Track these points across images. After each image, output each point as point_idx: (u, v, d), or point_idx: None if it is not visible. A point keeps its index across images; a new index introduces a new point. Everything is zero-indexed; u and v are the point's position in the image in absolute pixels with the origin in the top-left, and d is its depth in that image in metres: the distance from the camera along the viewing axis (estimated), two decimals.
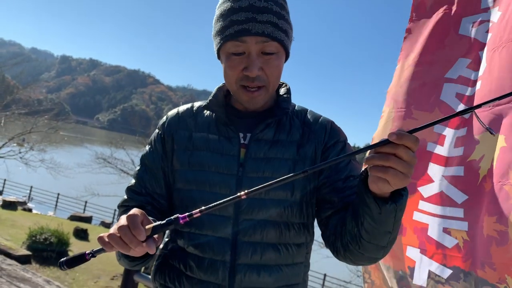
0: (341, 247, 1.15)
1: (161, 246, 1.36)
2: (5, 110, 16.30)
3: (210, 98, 1.34)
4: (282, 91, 1.37)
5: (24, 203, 20.54)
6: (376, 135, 2.44)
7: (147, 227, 0.92)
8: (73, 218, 19.49)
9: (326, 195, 1.24)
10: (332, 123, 1.35)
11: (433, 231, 2.05)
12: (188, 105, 1.41)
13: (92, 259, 0.95)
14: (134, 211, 0.95)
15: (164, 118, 1.40)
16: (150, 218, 0.99)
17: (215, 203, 0.92)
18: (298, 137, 1.28)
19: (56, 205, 24.09)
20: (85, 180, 19.75)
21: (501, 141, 1.80)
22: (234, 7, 1.18)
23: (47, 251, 10.85)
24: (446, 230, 1.99)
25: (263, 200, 1.20)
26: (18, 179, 22.32)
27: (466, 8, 2.25)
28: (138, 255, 0.95)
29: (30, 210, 19.91)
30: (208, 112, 1.33)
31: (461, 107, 2.09)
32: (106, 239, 0.92)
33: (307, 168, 0.92)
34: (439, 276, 1.97)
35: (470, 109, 0.97)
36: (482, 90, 1.98)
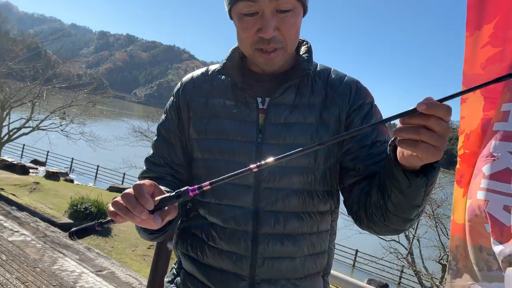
0: (365, 217, 1.09)
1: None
2: (47, 84, 16.83)
3: (224, 61, 1.25)
4: (302, 49, 1.25)
5: (66, 174, 21.41)
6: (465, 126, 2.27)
7: (156, 198, 0.88)
8: (111, 189, 20.20)
9: (350, 162, 1.15)
10: (357, 82, 1.22)
11: (493, 208, 1.97)
12: (203, 69, 1.32)
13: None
14: (143, 181, 0.90)
15: (179, 84, 1.32)
16: (165, 189, 0.95)
17: (225, 176, 0.86)
18: (321, 100, 1.18)
19: (95, 176, 25.00)
20: (123, 153, 20.31)
21: None
22: None
23: (88, 220, 11.33)
24: (506, 208, 1.91)
25: (285, 168, 1.13)
26: (60, 151, 23.24)
27: None
28: (148, 227, 0.91)
29: (71, 181, 20.75)
30: (224, 76, 1.24)
31: None
32: (111, 208, 0.88)
33: (324, 140, 0.84)
34: (491, 250, 1.90)
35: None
36: None
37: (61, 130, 16.35)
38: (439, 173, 0.92)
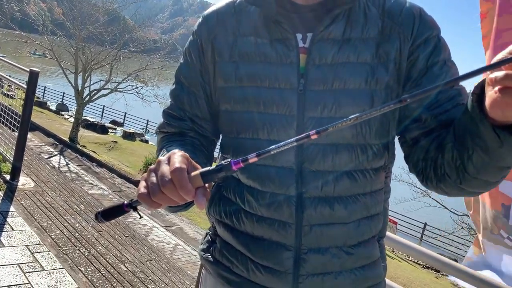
0: (434, 177, 0.92)
1: None
2: (124, 47, 17.55)
3: None
4: None
5: (142, 134, 22.59)
6: (486, 42, 2.07)
7: (193, 174, 0.72)
8: None
9: (414, 110, 0.95)
10: (421, 10, 0.99)
11: None
12: (229, 0, 1.08)
13: None
14: (177, 159, 0.72)
15: (200, 19, 1.09)
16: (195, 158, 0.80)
17: (274, 146, 0.70)
18: (377, 32, 0.96)
19: None
20: None
21: None
22: None
23: None
24: None
25: (334, 118, 0.92)
26: (136, 113, 24.41)
27: None
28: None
29: (146, 141, 21.86)
30: (254, 7, 1.02)
31: None
32: (143, 190, 0.72)
33: (405, 95, 0.66)
34: None
35: None
36: None
37: (137, 93, 17.09)
38: None
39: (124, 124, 26.12)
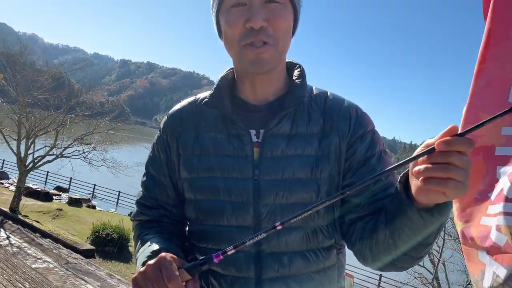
0: (370, 256, 1.03)
1: None
2: (70, 112, 17.24)
3: (211, 91, 1.16)
4: (295, 74, 1.17)
5: (88, 200, 21.68)
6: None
7: (180, 270, 0.86)
8: None
9: (353, 197, 1.07)
10: (357, 108, 1.14)
11: (493, 230, 1.95)
12: (191, 99, 1.22)
13: None
14: (164, 259, 0.86)
15: (166, 117, 1.22)
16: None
17: (249, 238, 0.84)
18: (319, 128, 1.09)
19: (117, 202, 25.23)
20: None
21: None
22: None
23: (109, 246, 11.38)
24: (498, 228, 1.90)
25: (285, 206, 1.05)
26: (83, 178, 23.59)
27: None
28: None
29: (93, 207, 20.98)
30: (212, 108, 1.15)
31: None
32: (140, 283, 0.86)
33: (346, 189, 0.81)
34: (498, 276, 1.87)
35: None
36: None
37: (84, 157, 16.64)
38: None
39: (70, 189, 25.06)
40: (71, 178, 24.51)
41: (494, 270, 1.91)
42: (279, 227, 0.81)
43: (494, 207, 2.00)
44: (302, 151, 1.07)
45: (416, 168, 0.78)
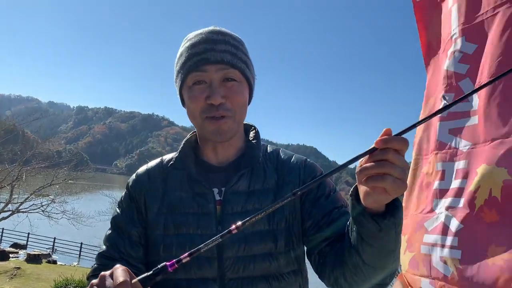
0: (345, 282, 1.08)
1: None
2: (26, 165, 16.70)
3: (176, 154, 1.28)
4: (251, 135, 1.31)
5: (49, 255, 20.65)
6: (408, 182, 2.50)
7: (133, 281, 0.84)
8: None
9: (317, 234, 1.17)
10: (305, 160, 1.28)
11: (436, 261, 2.09)
12: (158, 161, 1.32)
13: None
14: (119, 273, 0.85)
15: (134, 176, 1.30)
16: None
17: (204, 243, 0.86)
18: (274, 183, 1.22)
19: (79, 254, 24.16)
20: (106, 228, 19.77)
21: (503, 173, 1.83)
22: (192, 43, 1.19)
23: None
24: (442, 259, 2.04)
25: (247, 257, 1.13)
26: (41, 232, 22.57)
27: (446, 43, 2.34)
28: None
29: (54, 262, 19.98)
30: (178, 169, 1.25)
31: (457, 140, 2.16)
32: None
33: (296, 189, 0.87)
34: None
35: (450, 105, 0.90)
36: (481, 125, 2.00)
37: (42, 211, 16.02)
38: (403, 212, 0.95)
39: (28, 245, 23.84)
40: (28, 234, 23.39)
41: None
42: (234, 231, 0.85)
43: (430, 237, 2.15)
44: (259, 205, 1.17)
45: (358, 168, 0.86)
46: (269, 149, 1.31)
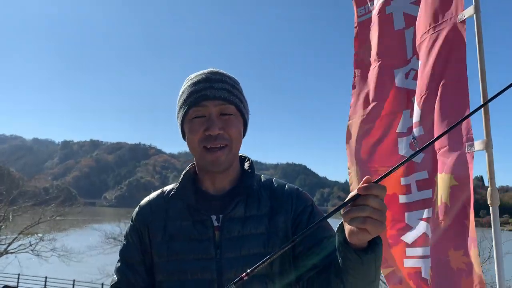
0: None
1: None
2: (13, 204, 16.49)
3: (177, 185, 1.40)
4: (246, 166, 1.44)
5: None
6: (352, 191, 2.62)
7: None
8: None
9: (306, 260, 1.28)
10: (297, 189, 1.42)
11: (425, 272, 2.18)
12: (159, 192, 1.45)
13: None
14: None
15: (137, 208, 1.43)
16: None
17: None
18: (268, 210, 1.34)
19: None
20: (98, 262, 19.55)
21: (450, 180, 1.97)
22: (193, 82, 1.34)
23: None
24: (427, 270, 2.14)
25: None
26: (32, 271, 22.09)
27: (395, 59, 2.50)
28: None
29: None
30: (178, 199, 1.38)
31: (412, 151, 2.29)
32: None
33: (294, 237, 1.02)
34: None
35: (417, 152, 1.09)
36: (426, 135, 2.18)
37: (32, 250, 15.74)
38: (382, 248, 1.11)
39: (19, 287, 23.25)
40: (19, 275, 22.85)
41: None
42: (245, 278, 0.99)
43: (415, 250, 2.23)
44: (255, 230, 1.30)
45: (343, 211, 1.01)
46: (262, 178, 1.44)
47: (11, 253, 15.09)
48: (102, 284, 22.21)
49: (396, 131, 2.42)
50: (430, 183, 2.15)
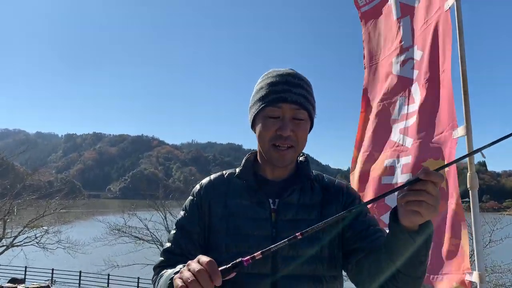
0: (369, 281, 1.27)
1: None
2: (17, 198, 16.60)
3: (240, 168, 1.52)
4: (301, 159, 1.55)
5: (48, 287, 20.45)
6: (352, 175, 2.64)
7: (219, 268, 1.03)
8: None
9: (354, 244, 1.38)
10: (347, 185, 1.54)
11: None
12: (219, 173, 1.56)
13: None
14: (205, 258, 1.03)
15: (198, 186, 1.53)
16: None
17: (274, 245, 1.05)
18: (320, 200, 1.45)
19: (79, 283, 23.91)
20: (103, 253, 19.74)
21: (441, 164, 2.04)
22: (274, 81, 1.43)
23: None
24: None
25: (297, 256, 1.34)
26: (38, 264, 22.34)
27: (392, 48, 2.54)
28: None
29: None
30: (240, 180, 1.49)
31: (405, 138, 2.36)
32: (180, 284, 1.00)
33: (352, 207, 1.13)
34: None
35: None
36: (420, 122, 2.25)
37: (37, 243, 15.88)
38: (433, 230, 1.15)
39: (26, 279, 23.54)
40: (26, 267, 23.13)
41: None
42: (299, 237, 1.05)
43: None
44: (308, 216, 1.41)
45: (401, 194, 1.06)
46: (314, 172, 1.55)
47: (17, 246, 15.20)
48: (108, 275, 22.49)
49: (392, 118, 2.48)
50: (413, 167, 2.23)
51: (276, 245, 1.05)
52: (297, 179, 1.47)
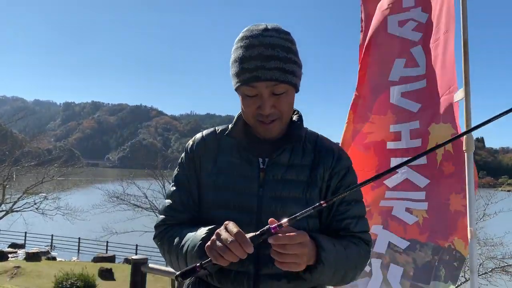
0: None
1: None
2: (16, 164, 16.66)
3: (231, 125, 1.48)
4: (294, 117, 1.49)
5: (48, 252, 20.80)
6: (343, 138, 2.63)
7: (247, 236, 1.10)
8: (96, 259, 19.69)
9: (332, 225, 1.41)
10: (339, 149, 1.50)
11: (397, 211, 2.31)
12: (212, 129, 1.54)
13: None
14: (234, 226, 1.13)
15: (191, 141, 1.52)
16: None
17: (299, 213, 1.10)
18: (310, 161, 1.42)
19: (78, 249, 24.35)
20: (102, 221, 19.97)
21: (449, 128, 2.09)
22: (245, 56, 1.32)
23: None
24: (408, 210, 2.24)
25: (283, 213, 1.27)
26: (38, 230, 22.65)
27: (390, 6, 2.47)
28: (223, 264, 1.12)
29: (54, 258, 20.16)
30: (231, 138, 1.46)
31: (409, 103, 2.34)
32: (216, 252, 1.10)
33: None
34: (397, 246, 2.23)
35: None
36: (429, 87, 2.23)
37: (36, 209, 16.06)
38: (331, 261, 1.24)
39: (26, 244, 23.94)
40: (25, 233, 23.47)
41: (393, 241, 2.25)
42: (324, 204, 1.12)
43: (393, 193, 2.33)
44: (296, 177, 1.39)
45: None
46: (309, 132, 1.51)
47: (17, 211, 15.37)
48: (107, 242, 22.86)
49: (388, 79, 2.43)
50: (421, 132, 2.23)
51: (301, 213, 1.09)
52: (289, 139, 1.44)
